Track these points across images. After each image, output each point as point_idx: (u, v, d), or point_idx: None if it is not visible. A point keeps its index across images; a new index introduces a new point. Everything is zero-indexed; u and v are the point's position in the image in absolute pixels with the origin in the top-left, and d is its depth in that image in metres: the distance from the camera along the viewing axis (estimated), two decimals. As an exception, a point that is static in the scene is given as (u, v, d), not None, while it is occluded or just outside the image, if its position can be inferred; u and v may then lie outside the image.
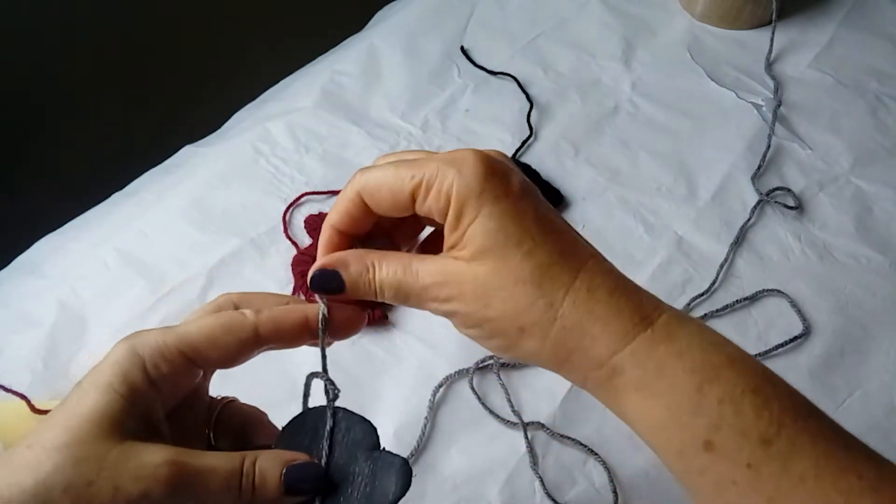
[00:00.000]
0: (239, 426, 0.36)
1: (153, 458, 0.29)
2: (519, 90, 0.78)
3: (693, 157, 0.72)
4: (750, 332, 0.60)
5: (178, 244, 0.64)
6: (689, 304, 0.61)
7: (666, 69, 0.81)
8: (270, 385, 0.51)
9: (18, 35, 0.93)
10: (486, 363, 0.57)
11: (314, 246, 0.62)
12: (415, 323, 0.59)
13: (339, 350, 0.58)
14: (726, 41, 0.84)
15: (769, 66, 0.81)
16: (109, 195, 0.70)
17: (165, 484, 0.28)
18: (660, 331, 0.31)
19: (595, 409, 0.53)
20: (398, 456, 0.33)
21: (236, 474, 0.30)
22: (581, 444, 0.53)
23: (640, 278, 0.63)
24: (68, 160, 0.97)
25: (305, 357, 0.35)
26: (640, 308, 0.31)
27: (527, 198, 0.33)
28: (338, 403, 0.34)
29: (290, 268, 0.63)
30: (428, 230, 0.38)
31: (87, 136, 1.00)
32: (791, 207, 0.67)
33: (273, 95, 0.81)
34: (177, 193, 0.69)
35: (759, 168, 0.70)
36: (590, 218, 0.67)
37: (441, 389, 0.56)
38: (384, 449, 0.33)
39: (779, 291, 0.62)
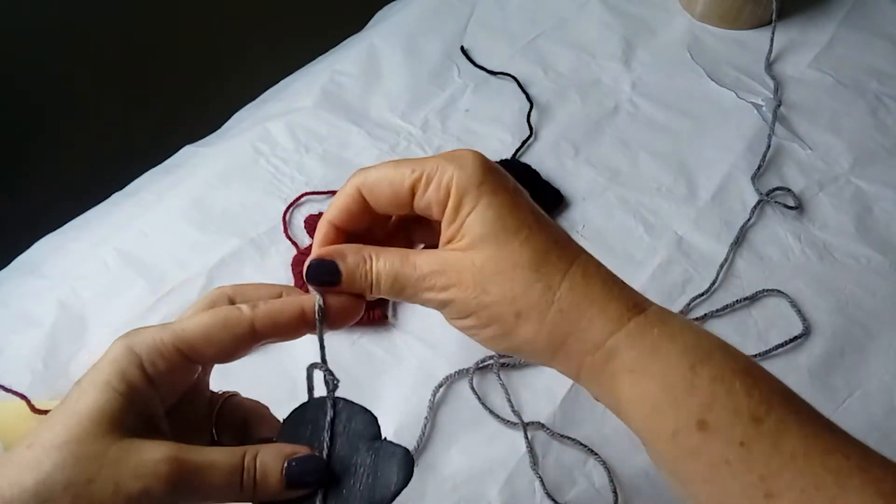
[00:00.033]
0: (240, 420, 0.36)
1: (153, 454, 0.29)
2: (519, 90, 0.78)
3: (693, 157, 0.72)
4: (750, 332, 0.60)
5: (178, 244, 0.64)
6: (689, 304, 0.61)
7: (666, 69, 0.81)
8: (271, 384, 0.51)
9: (18, 35, 0.93)
10: (486, 363, 0.57)
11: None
12: (415, 323, 0.59)
13: (339, 350, 0.58)
14: (726, 41, 0.84)
15: (769, 66, 0.81)
16: (109, 195, 0.70)
17: (166, 480, 0.28)
18: (653, 316, 0.32)
19: (595, 409, 0.53)
20: (400, 446, 0.33)
21: (237, 469, 0.30)
22: (581, 444, 0.53)
23: (640, 278, 0.63)
24: (68, 160, 0.97)
25: (306, 356, 0.35)
26: (633, 296, 0.33)
27: (521, 194, 0.34)
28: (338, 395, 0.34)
29: (290, 268, 0.63)
30: (419, 248, 0.39)
31: (87, 136, 1.00)
32: (791, 207, 0.67)
33: (273, 95, 0.81)
34: (177, 193, 0.69)
35: (759, 168, 0.70)
36: (590, 218, 0.67)
37: (441, 389, 0.56)
38: (385, 439, 0.33)
39: (779, 291, 0.62)
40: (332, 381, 0.34)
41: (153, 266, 0.63)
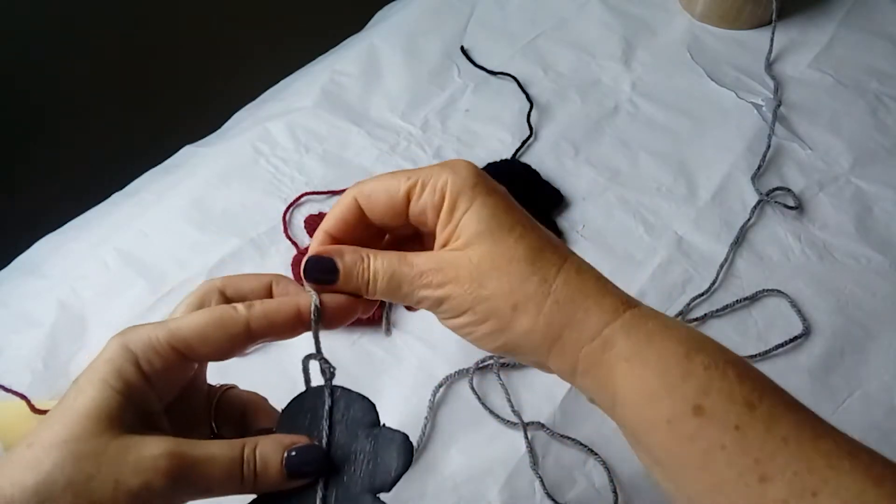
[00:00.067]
0: (239, 412, 0.36)
1: (152, 450, 0.29)
2: (519, 90, 0.78)
3: (693, 157, 0.72)
4: (750, 332, 0.60)
5: (178, 244, 0.64)
6: (689, 304, 0.61)
7: (666, 69, 0.81)
8: (270, 384, 0.51)
9: (18, 35, 0.93)
10: (486, 363, 0.57)
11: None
12: (415, 323, 0.59)
13: (339, 350, 0.58)
14: (726, 41, 0.84)
15: (769, 66, 0.81)
16: (109, 195, 0.70)
17: (165, 475, 0.28)
18: (645, 310, 0.33)
19: (595, 410, 0.53)
20: (399, 431, 0.33)
21: (237, 462, 0.30)
22: (581, 444, 0.53)
23: (640, 278, 0.63)
24: (68, 160, 0.97)
25: (312, 369, 0.35)
26: (624, 294, 0.34)
27: (512, 198, 0.35)
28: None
29: (290, 268, 0.63)
30: None
31: (87, 136, 1.00)
32: (791, 207, 0.67)
33: (273, 95, 0.81)
34: (177, 193, 0.69)
35: (759, 168, 0.70)
36: (590, 218, 0.67)
37: (441, 389, 0.56)
38: (384, 425, 0.33)
39: (779, 291, 0.62)
40: (328, 370, 0.34)
41: (153, 266, 0.63)
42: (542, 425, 0.54)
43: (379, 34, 0.85)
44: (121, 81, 1.04)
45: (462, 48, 0.83)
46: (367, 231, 0.36)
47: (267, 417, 0.36)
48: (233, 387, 0.37)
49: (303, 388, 0.35)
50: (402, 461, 0.32)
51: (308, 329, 0.33)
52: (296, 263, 0.63)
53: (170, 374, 0.32)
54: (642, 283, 0.62)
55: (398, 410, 0.55)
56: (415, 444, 0.53)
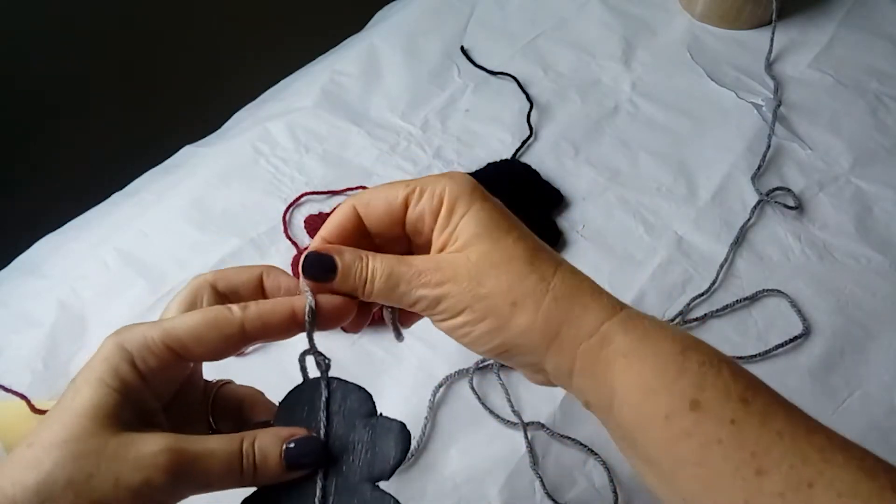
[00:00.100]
0: (236, 407, 0.37)
1: (151, 446, 0.29)
2: (519, 90, 0.78)
3: (693, 157, 0.72)
4: (750, 332, 0.60)
5: (178, 244, 0.64)
6: (689, 304, 0.61)
7: (666, 69, 0.81)
8: (270, 384, 0.51)
9: (18, 35, 0.93)
10: (486, 363, 0.57)
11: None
12: (415, 323, 0.59)
13: (340, 350, 0.58)
14: (726, 41, 0.84)
15: (769, 66, 0.81)
16: (109, 195, 0.70)
17: (165, 471, 0.29)
18: (637, 311, 0.34)
19: (595, 409, 0.53)
20: (395, 420, 0.33)
21: (236, 456, 0.31)
22: (581, 444, 0.53)
23: (640, 278, 0.63)
24: (68, 160, 0.97)
25: (310, 364, 0.35)
26: (614, 297, 0.34)
27: (505, 207, 0.36)
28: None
29: (290, 268, 0.63)
30: None
31: (87, 136, 1.00)
32: (791, 207, 0.67)
33: (273, 95, 0.81)
34: (177, 193, 0.69)
35: (759, 168, 0.70)
36: (590, 218, 0.67)
37: (441, 389, 0.56)
38: (381, 414, 0.34)
39: (779, 291, 0.62)
40: (323, 363, 0.34)
41: (153, 266, 0.63)
42: (542, 425, 0.54)
43: (379, 34, 0.85)
44: (121, 81, 1.04)
45: (462, 48, 0.83)
46: (363, 242, 0.36)
47: (264, 411, 0.36)
48: (229, 382, 0.38)
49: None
50: (399, 449, 0.32)
51: (302, 331, 0.33)
52: (295, 263, 0.63)
53: (165, 373, 0.32)
54: (642, 283, 0.62)
55: (398, 410, 0.55)
56: (415, 444, 0.53)
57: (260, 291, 0.35)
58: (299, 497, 0.32)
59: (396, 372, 0.57)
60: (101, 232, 0.66)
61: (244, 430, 0.32)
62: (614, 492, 0.51)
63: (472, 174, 0.70)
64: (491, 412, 0.55)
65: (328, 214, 0.65)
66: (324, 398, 0.34)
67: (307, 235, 0.65)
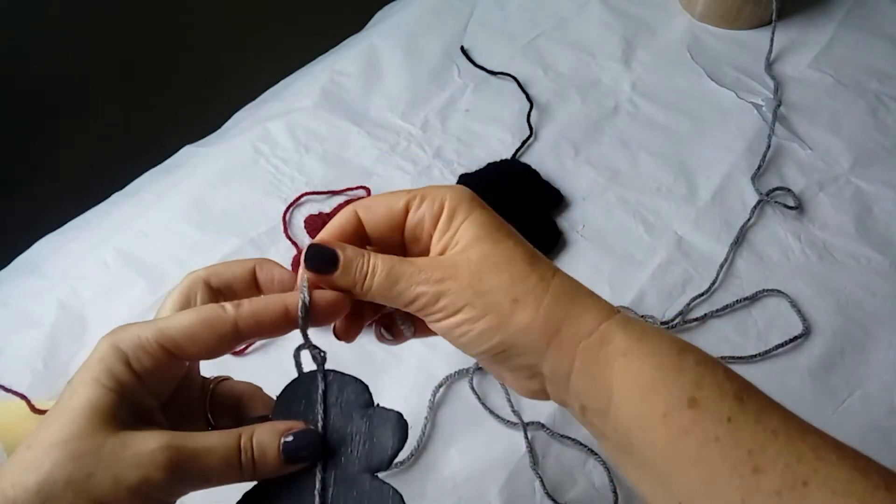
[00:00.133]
0: (234, 403, 0.37)
1: (149, 444, 0.29)
2: (519, 90, 0.78)
3: (693, 157, 0.72)
4: (750, 332, 0.60)
5: (178, 244, 0.64)
6: (689, 304, 0.61)
7: (666, 69, 0.81)
8: (270, 384, 0.51)
9: (18, 35, 0.93)
10: (486, 363, 0.57)
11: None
12: (415, 323, 0.59)
13: (339, 350, 0.58)
14: (726, 41, 0.84)
15: (769, 66, 0.81)
16: (109, 195, 0.70)
17: (164, 468, 0.29)
18: (631, 314, 0.34)
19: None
20: (392, 410, 0.33)
21: (234, 451, 0.31)
22: (581, 444, 0.53)
23: (640, 278, 0.63)
24: (68, 160, 0.97)
25: (306, 357, 0.35)
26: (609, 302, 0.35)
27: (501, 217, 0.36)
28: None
29: (290, 268, 0.63)
30: None
31: (87, 136, 1.00)
32: (791, 207, 0.67)
33: (273, 95, 0.81)
34: (177, 193, 0.69)
35: (759, 168, 0.70)
36: (590, 218, 0.67)
37: (441, 389, 0.56)
38: (378, 405, 0.34)
39: (779, 291, 0.62)
40: (319, 356, 0.34)
41: (153, 266, 0.63)
42: (542, 425, 0.54)
43: (379, 34, 0.85)
44: (121, 81, 1.04)
45: (462, 48, 0.83)
46: (362, 247, 0.36)
47: (262, 406, 0.37)
48: (227, 378, 0.38)
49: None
50: (397, 439, 0.32)
51: (296, 327, 0.33)
52: (296, 263, 0.63)
53: (161, 373, 0.32)
54: (642, 283, 0.62)
55: (398, 410, 0.55)
56: (415, 443, 0.53)
57: (254, 285, 0.35)
58: (299, 490, 0.32)
59: (396, 372, 0.57)
60: (101, 232, 0.66)
61: (243, 425, 0.32)
62: (614, 492, 0.51)
63: (472, 174, 0.70)
64: (491, 412, 0.55)
65: (328, 214, 0.65)
66: (320, 391, 0.34)
67: (307, 235, 0.65)
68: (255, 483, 0.32)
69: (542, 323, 0.32)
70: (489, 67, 0.80)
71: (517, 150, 0.72)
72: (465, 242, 0.34)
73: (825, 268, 0.64)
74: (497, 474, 0.52)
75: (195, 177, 0.70)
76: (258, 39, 1.10)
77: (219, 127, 0.78)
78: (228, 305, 0.32)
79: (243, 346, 0.58)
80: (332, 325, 0.37)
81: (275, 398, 0.35)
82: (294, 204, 0.67)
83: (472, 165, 0.71)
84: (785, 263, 0.64)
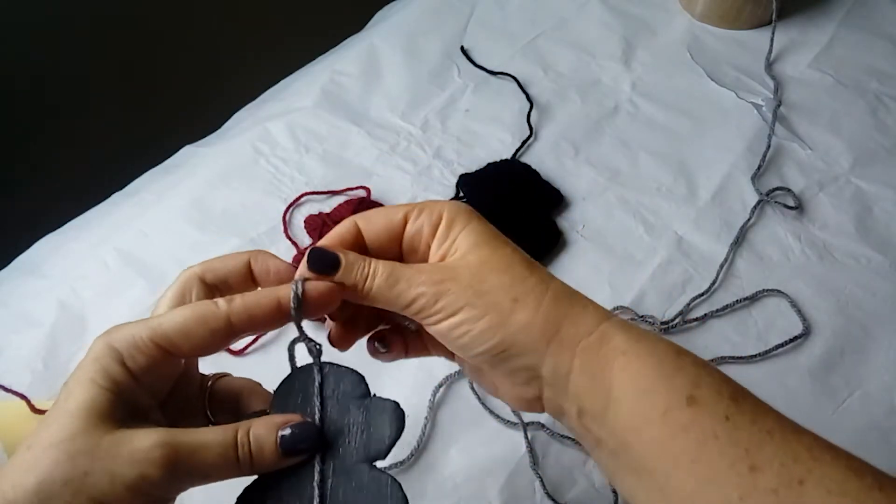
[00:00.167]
0: (234, 399, 0.37)
1: (145, 441, 0.29)
2: (519, 90, 0.78)
3: (693, 157, 0.72)
4: (750, 332, 0.60)
5: (178, 244, 0.64)
6: (689, 304, 0.61)
7: (666, 69, 0.81)
8: (271, 384, 0.51)
9: (18, 35, 0.93)
10: (486, 363, 0.57)
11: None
12: (415, 323, 0.59)
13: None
14: (726, 41, 0.84)
15: (769, 66, 0.81)
16: (109, 195, 0.70)
17: (160, 465, 0.29)
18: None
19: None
20: (389, 400, 0.34)
21: (231, 446, 0.31)
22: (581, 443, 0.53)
23: (640, 278, 0.63)
24: (68, 160, 0.97)
25: (307, 357, 0.35)
26: None
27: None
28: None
29: (290, 268, 0.63)
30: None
31: (87, 136, 1.00)
32: (791, 207, 0.67)
33: (273, 95, 0.81)
34: (177, 193, 0.69)
35: (759, 168, 0.70)
36: (590, 218, 0.67)
37: (441, 389, 0.56)
38: (374, 395, 0.34)
39: (779, 291, 0.62)
40: (314, 349, 0.35)
41: (153, 266, 0.63)
42: (542, 425, 0.54)
43: (379, 34, 0.85)
44: (121, 81, 1.04)
45: (462, 48, 0.83)
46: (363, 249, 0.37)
47: (261, 401, 0.37)
48: (225, 375, 0.38)
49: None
50: (394, 428, 0.33)
51: (289, 321, 0.33)
52: (296, 263, 0.63)
53: (156, 370, 0.32)
54: (642, 283, 0.62)
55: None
56: (415, 443, 0.53)
57: (249, 278, 0.36)
58: (298, 482, 0.32)
59: (396, 372, 0.57)
60: (101, 232, 0.66)
61: (241, 420, 0.32)
62: (614, 492, 0.51)
63: (472, 174, 0.70)
64: (491, 412, 0.55)
65: (328, 214, 0.65)
66: (317, 383, 0.34)
67: (307, 235, 0.65)
68: (254, 478, 0.33)
69: (543, 322, 0.33)
70: (489, 67, 0.80)
71: (517, 150, 0.72)
72: (465, 249, 0.34)
73: (825, 268, 0.64)
74: (497, 474, 0.52)
75: (195, 177, 0.70)
76: (258, 39, 1.10)
77: (219, 127, 0.78)
78: (221, 301, 0.32)
79: (243, 346, 0.58)
80: (328, 332, 0.37)
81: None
82: (294, 204, 0.67)
83: (472, 165, 0.71)
84: (785, 263, 0.64)
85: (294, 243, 0.65)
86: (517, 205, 0.67)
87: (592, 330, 0.33)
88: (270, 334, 0.59)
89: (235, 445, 0.31)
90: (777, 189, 0.69)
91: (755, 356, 0.58)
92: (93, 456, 0.28)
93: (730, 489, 0.29)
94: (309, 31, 0.91)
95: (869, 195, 0.69)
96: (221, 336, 0.32)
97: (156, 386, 0.33)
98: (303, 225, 0.66)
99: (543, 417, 0.55)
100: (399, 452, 0.53)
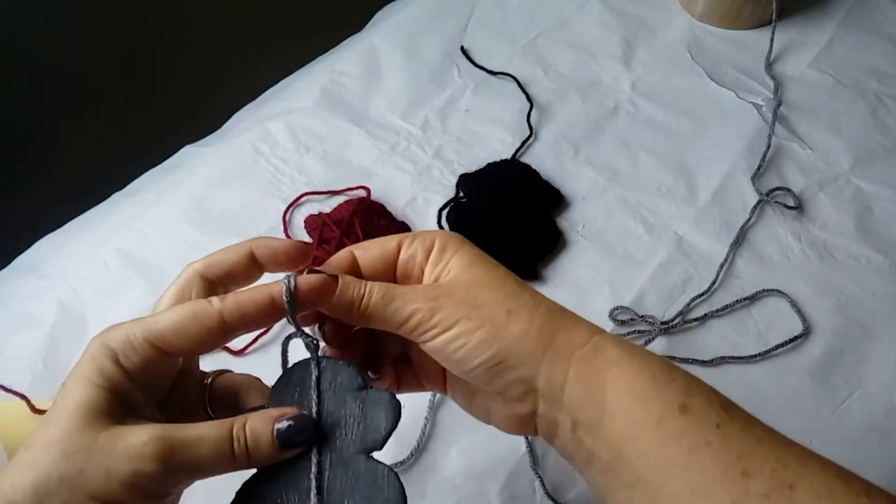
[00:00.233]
0: (233, 395, 0.37)
1: (140, 437, 0.29)
2: (519, 90, 0.78)
3: (693, 157, 0.72)
4: (750, 332, 0.60)
5: (178, 244, 0.64)
6: (689, 304, 0.61)
7: (666, 69, 0.81)
8: (271, 383, 0.51)
9: (18, 35, 0.93)
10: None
11: (314, 246, 0.62)
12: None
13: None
14: (726, 41, 0.84)
15: (769, 66, 0.81)
16: (109, 195, 0.70)
17: (154, 459, 0.29)
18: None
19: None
20: (385, 391, 0.34)
21: (226, 439, 0.31)
22: (581, 444, 0.53)
23: (640, 278, 0.63)
24: (68, 160, 0.97)
25: (295, 352, 0.36)
26: None
27: None
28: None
29: (290, 268, 0.63)
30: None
31: (87, 136, 1.00)
32: (791, 207, 0.67)
33: (273, 95, 0.81)
34: (177, 193, 0.69)
35: (759, 168, 0.70)
36: (590, 218, 0.67)
37: (441, 389, 0.56)
38: (371, 387, 0.34)
39: (779, 291, 0.62)
40: (312, 343, 0.35)
41: (153, 266, 0.63)
42: (542, 425, 0.54)
43: (379, 34, 0.85)
44: (121, 81, 1.04)
45: (462, 48, 0.83)
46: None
47: (260, 396, 0.37)
48: (225, 372, 0.38)
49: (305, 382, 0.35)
50: (391, 418, 0.33)
51: (283, 316, 0.33)
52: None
53: (151, 369, 0.32)
54: (642, 283, 0.62)
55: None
56: (415, 443, 0.53)
57: (253, 268, 0.36)
58: (295, 475, 0.32)
59: (396, 372, 0.57)
60: (101, 232, 0.66)
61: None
62: (614, 492, 0.51)
63: (472, 174, 0.70)
64: (491, 412, 0.55)
65: (328, 214, 0.65)
66: (314, 377, 0.34)
67: (307, 235, 0.65)
68: (254, 472, 0.33)
69: (537, 332, 0.33)
70: (489, 67, 0.80)
71: (517, 150, 0.72)
72: (458, 269, 0.35)
73: (825, 268, 0.64)
74: (497, 474, 0.52)
75: (195, 177, 0.70)
76: (258, 39, 1.10)
77: (219, 127, 0.78)
78: (214, 299, 0.32)
79: (243, 346, 0.58)
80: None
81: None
82: (294, 204, 0.67)
83: (472, 165, 0.71)
84: (785, 263, 0.64)
85: (294, 243, 0.65)
86: (517, 205, 0.67)
87: (586, 341, 0.34)
88: (270, 334, 0.59)
89: (230, 439, 0.31)
90: (777, 189, 0.69)
91: (755, 356, 0.58)
92: (88, 453, 0.29)
93: (723, 495, 0.29)
94: (309, 31, 0.91)
95: (869, 195, 0.69)
96: (215, 334, 0.32)
97: (153, 384, 0.33)
98: (303, 225, 0.66)
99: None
100: (399, 452, 0.53)
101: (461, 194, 0.69)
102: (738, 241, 0.65)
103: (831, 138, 0.74)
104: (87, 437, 0.29)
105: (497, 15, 0.87)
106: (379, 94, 0.78)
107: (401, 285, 0.35)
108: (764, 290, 0.62)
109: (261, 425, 0.32)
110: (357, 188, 0.69)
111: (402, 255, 0.36)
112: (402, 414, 0.33)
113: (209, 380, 0.37)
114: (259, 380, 0.38)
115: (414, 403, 0.55)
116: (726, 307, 0.61)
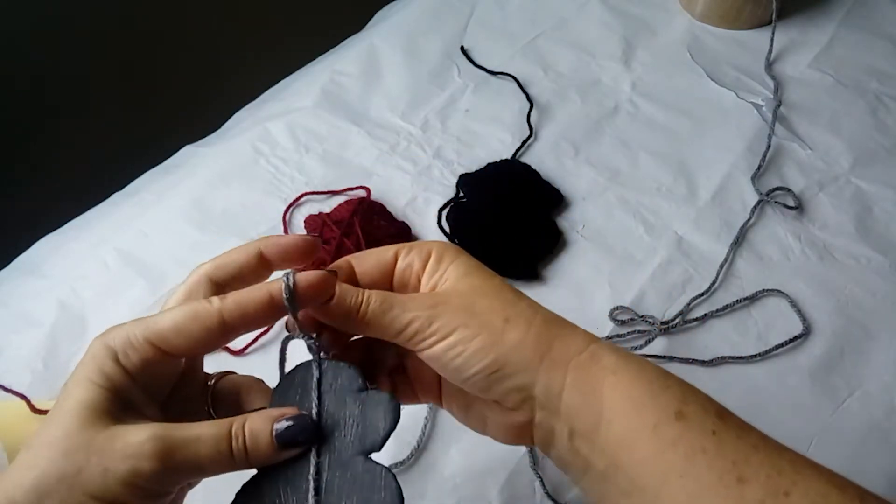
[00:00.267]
0: (236, 396, 0.37)
1: (138, 436, 0.29)
2: (519, 90, 0.78)
3: (693, 157, 0.72)
4: (750, 332, 0.60)
5: (178, 244, 0.64)
6: (689, 304, 0.61)
7: (666, 69, 0.81)
8: (272, 384, 0.51)
9: (18, 35, 0.93)
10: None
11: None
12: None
13: (339, 350, 0.58)
14: (726, 41, 0.84)
15: (769, 66, 0.81)
16: (109, 195, 0.70)
17: (152, 458, 0.29)
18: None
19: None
20: (384, 392, 0.34)
21: (224, 439, 0.31)
22: (581, 444, 0.53)
23: (640, 278, 0.63)
24: (68, 160, 0.97)
25: (294, 354, 0.36)
26: None
27: None
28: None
29: (290, 268, 0.63)
30: None
31: (87, 136, 1.00)
32: (791, 207, 0.67)
33: (273, 95, 0.81)
34: (177, 193, 0.69)
35: (759, 168, 0.70)
36: (590, 218, 0.67)
37: (441, 389, 0.56)
38: (371, 388, 0.34)
39: (779, 291, 0.62)
40: (313, 345, 0.35)
41: (153, 266, 0.63)
42: (542, 425, 0.54)
43: (379, 34, 0.85)
44: (121, 81, 1.04)
45: (462, 48, 0.83)
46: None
47: (262, 398, 0.37)
48: (228, 373, 0.38)
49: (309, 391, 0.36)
50: (390, 419, 0.33)
51: (283, 314, 0.33)
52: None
53: (152, 368, 0.32)
54: (642, 283, 0.62)
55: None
56: (415, 443, 0.53)
57: (262, 268, 0.36)
58: (294, 475, 0.32)
59: (396, 372, 0.57)
60: (101, 232, 0.66)
61: None
62: (614, 492, 0.51)
63: (472, 174, 0.70)
64: (491, 412, 0.55)
65: (328, 214, 0.65)
66: (315, 378, 0.34)
67: (307, 235, 0.65)
68: (255, 472, 0.33)
69: (535, 340, 0.34)
70: (489, 67, 0.80)
71: (517, 150, 0.72)
72: (454, 278, 0.35)
73: (825, 268, 0.64)
74: (497, 474, 0.52)
75: (195, 177, 0.70)
76: (258, 39, 1.10)
77: (219, 127, 0.78)
78: (214, 298, 0.32)
79: (243, 346, 0.58)
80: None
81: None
82: (294, 204, 0.67)
83: (472, 165, 0.71)
84: (785, 263, 0.64)
85: (294, 243, 0.65)
86: (517, 205, 0.67)
87: (583, 349, 0.34)
88: (270, 334, 0.59)
89: (229, 438, 0.31)
90: (777, 189, 0.69)
91: (755, 356, 0.58)
92: (87, 452, 0.29)
93: (719, 501, 0.29)
94: (309, 31, 0.91)
95: (869, 195, 0.69)
96: (215, 333, 0.32)
97: (154, 384, 0.33)
98: (303, 225, 0.66)
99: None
100: (399, 452, 0.53)
101: (461, 194, 0.69)
102: (738, 241, 0.65)
103: (831, 138, 0.74)
104: (87, 436, 0.29)
105: (497, 15, 0.87)
106: (379, 94, 0.78)
107: (399, 294, 0.35)
108: (764, 290, 0.62)
109: (260, 425, 0.32)
110: (357, 188, 0.69)
111: (399, 265, 0.37)
112: (402, 414, 0.33)
113: (212, 381, 0.37)
114: (262, 381, 0.38)
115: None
116: (726, 307, 0.61)
